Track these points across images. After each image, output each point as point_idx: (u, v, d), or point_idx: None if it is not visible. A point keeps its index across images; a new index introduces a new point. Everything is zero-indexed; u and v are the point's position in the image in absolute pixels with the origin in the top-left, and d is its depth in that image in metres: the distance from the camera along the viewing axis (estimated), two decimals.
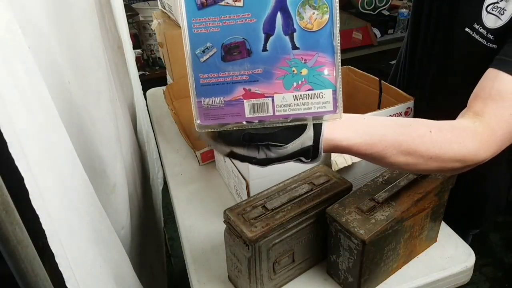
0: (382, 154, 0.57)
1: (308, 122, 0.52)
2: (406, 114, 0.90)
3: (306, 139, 0.52)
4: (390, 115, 0.88)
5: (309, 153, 0.54)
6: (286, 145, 0.52)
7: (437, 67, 0.94)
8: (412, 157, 0.58)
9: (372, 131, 0.56)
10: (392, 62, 1.15)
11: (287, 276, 0.77)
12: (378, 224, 0.69)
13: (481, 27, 0.78)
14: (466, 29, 0.81)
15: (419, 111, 0.92)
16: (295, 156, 0.54)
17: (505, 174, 1.00)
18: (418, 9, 0.96)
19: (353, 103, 1.06)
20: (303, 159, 0.55)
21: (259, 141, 0.52)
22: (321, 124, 0.53)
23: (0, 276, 0.55)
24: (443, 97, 0.93)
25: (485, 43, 0.78)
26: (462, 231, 0.95)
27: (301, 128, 0.52)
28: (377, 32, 2.70)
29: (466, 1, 0.82)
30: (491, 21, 0.77)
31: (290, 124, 0.51)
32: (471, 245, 0.84)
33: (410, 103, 0.89)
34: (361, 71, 1.08)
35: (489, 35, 0.77)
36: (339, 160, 0.86)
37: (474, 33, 0.80)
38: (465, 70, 0.85)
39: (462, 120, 0.65)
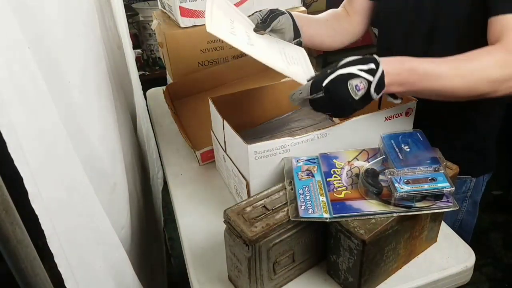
0: None
1: None
2: (407, 114, 0.90)
3: None
4: (391, 116, 0.88)
5: None
6: None
7: (419, 44, 0.98)
8: None
9: None
10: None
11: (287, 276, 0.77)
12: (378, 224, 0.69)
13: None
14: None
15: None
16: None
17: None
18: None
19: None
20: None
21: None
22: None
23: (0, 276, 0.56)
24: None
25: None
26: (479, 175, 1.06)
27: None
28: (377, 32, 2.70)
29: None
30: None
31: None
32: (471, 245, 0.84)
33: (412, 104, 0.89)
34: None
35: None
36: None
37: None
38: (452, 30, 0.91)
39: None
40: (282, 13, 0.97)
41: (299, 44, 1.01)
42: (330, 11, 1.17)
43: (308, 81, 0.77)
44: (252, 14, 0.96)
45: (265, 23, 0.94)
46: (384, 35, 1.14)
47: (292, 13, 1.01)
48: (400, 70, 0.76)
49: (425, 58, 0.79)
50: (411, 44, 1.00)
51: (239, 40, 0.82)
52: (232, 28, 0.84)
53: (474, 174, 1.07)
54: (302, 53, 0.97)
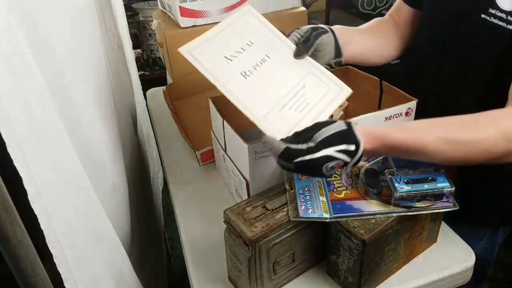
0: None
1: None
2: (407, 114, 0.89)
3: None
4: (391, 115, 0.88)
5: None
6: None
7: (455, 60, 0.90)
8: None
9: None
10: (393, 62, 1.14)
11: (287, 276, 0.77)
12: (378, 224, 0.69)
13: (498, 11, 0.78)
14: (483, 16, 0.80)
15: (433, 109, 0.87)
16: None
17: None
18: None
19: (353, 104, 1.06)
20: None
21: None
22: None
23: (0, 276, 0.56)
24: (463, 91, 0.89)
25: (505, 26, 0.77)
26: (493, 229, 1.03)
27: None
28: None
29: None
30: (507, 3, 0.77)
31: None
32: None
33: (411, 104, 0.89)
34: (361, 71, 1.08)
35: (509, 17, 0.77)
36: None
37: (492, 17, 0.79)
38: (485, 58, 0.84)
39: None
40: (325, 31, 0.87)
41: (339, 63, 0.91)
42: (375, 22, 1.04)
43: (282, 140, 0.67)
44: (290, 34, 0.85)
45: (308, 42, 0.83)
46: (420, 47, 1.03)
47: (334, 29, 0.89)
48: (378, 146, 0.68)
49: (415, 125, 0.71)
50: (446, 63, 0.92)
51: (224, 69, 0.75)
52: (231, 55, 0.77)
53: (491, 224, 1.03)
54: (332, 92, 0.80)
